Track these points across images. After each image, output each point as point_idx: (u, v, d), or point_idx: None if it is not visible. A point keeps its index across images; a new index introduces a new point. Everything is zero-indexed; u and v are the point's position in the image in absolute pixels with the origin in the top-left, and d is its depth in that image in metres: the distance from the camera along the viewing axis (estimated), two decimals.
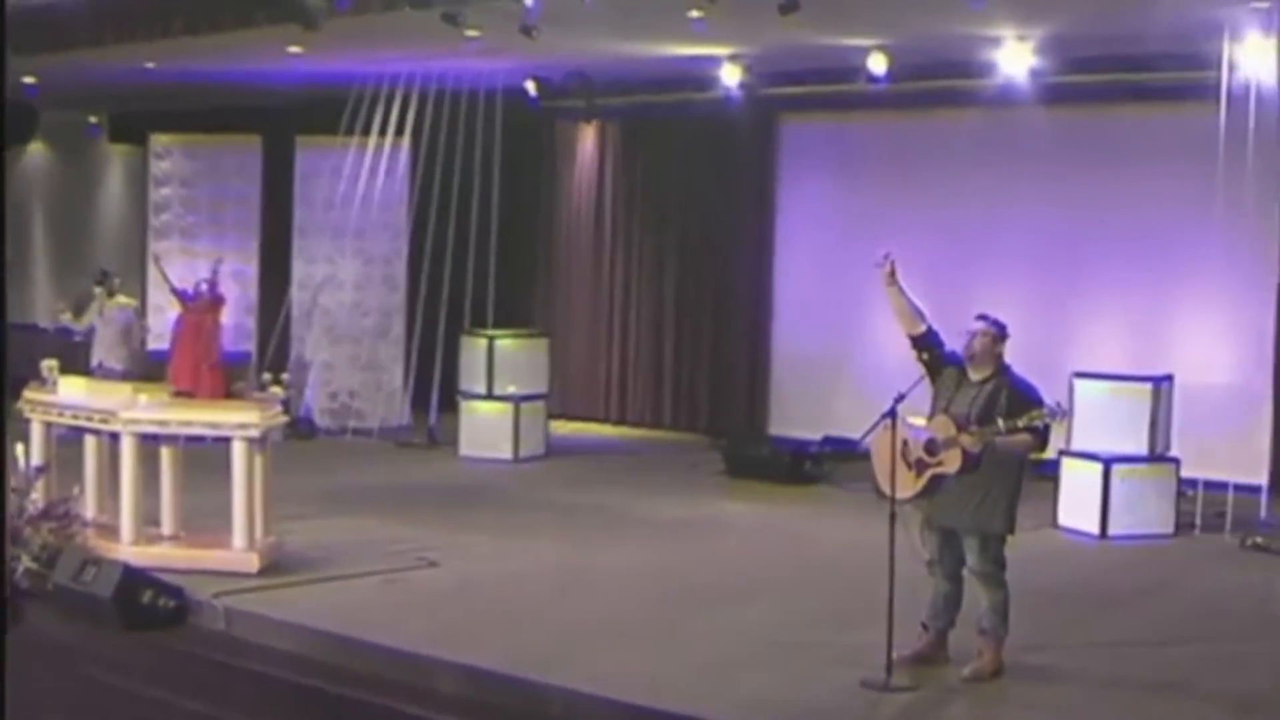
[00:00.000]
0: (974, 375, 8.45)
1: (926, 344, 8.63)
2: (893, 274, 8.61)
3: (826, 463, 14.93)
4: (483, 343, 16.07)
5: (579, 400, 18.60)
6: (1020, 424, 8.16)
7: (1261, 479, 12.83)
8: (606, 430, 18.32)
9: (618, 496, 13.88)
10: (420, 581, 10.41)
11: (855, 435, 15.52)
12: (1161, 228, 14.52)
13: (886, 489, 8.42)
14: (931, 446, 8.37)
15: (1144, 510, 12.38)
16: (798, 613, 9.85)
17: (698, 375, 18.01)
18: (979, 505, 8.37)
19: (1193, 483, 12.66)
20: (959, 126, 15.55)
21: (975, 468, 8.29)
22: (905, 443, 8.44)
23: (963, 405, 8.37)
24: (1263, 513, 12.44)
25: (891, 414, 8.31)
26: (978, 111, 14.99)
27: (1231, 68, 12.19)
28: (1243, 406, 13.17)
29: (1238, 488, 12.78)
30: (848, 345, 16.49)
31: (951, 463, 8.30)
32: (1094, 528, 12.34)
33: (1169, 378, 12.71)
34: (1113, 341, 14.55)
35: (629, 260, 18.55)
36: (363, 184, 17.13)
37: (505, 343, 16.16)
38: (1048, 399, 8.39)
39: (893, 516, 8.21)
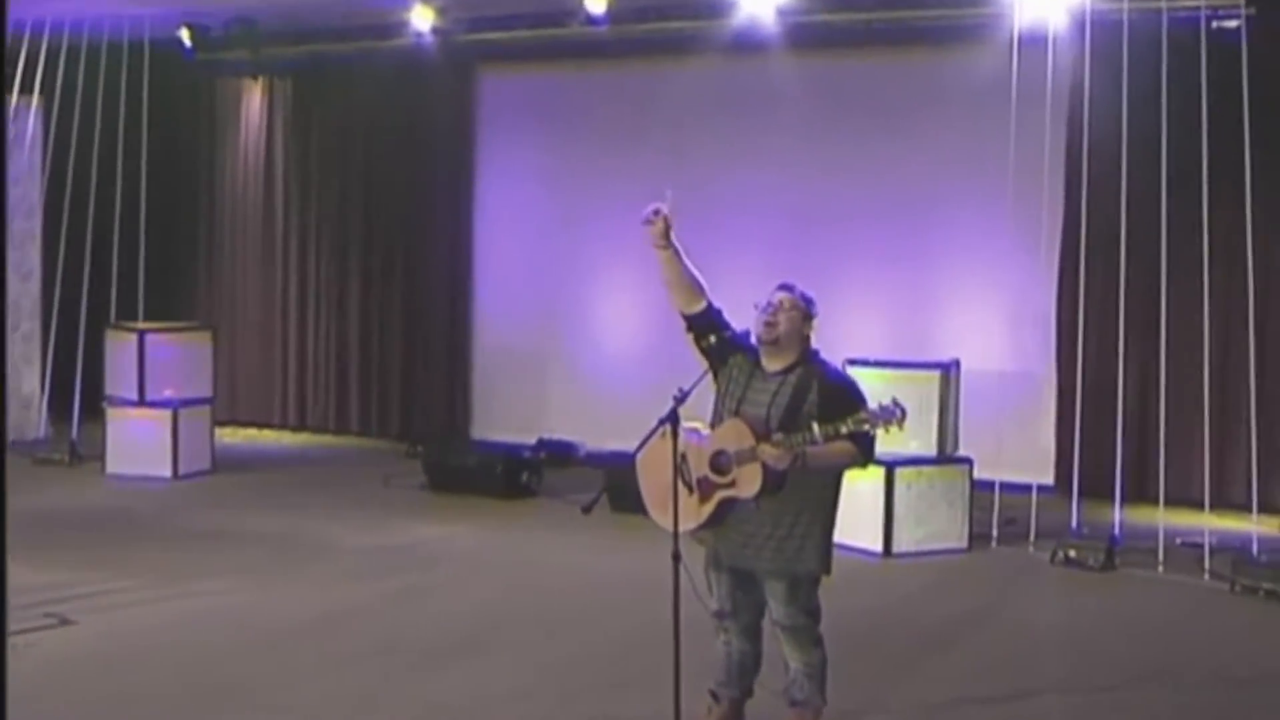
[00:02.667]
0: (771, 365, 6.43)
1: (710, 324, 6.56)
2: (666, 234, 6.61)
3: (546, 472, 13.39)
4: (132, 339, 14.17)
5: (250, 404, 17.23)
6: (844, 429, 6.13)
7: (1048, 479, 11.67)
8: (284, 438, 16.82)
9: (300, 520, 11.98)
10: (52, 646, 8.20)
11: (573, 438, 14.65)
12: (933, 193, 13.26)
13: (660, 519, 6.39)
14: (720, 461, 6.32)
15: (934, 521, 10.77)
16: (544, 674, 7.82)
17: (388, 372, 16.57)
18: (785, 539, 6.36)
19: (987, 485, 11.12)
20: (693, 76, 14.12)
21: (779, 489, 6.26)
22: (684, 456, 6.35)
23: (759, 405, 6.34)
24: (1074, 520, 10.86)
25: (671, 419, 6.18)
26: (715, 58, 13.59)
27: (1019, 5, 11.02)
28: (1026, 398, 12.07)
29: (1024, 489, 11.36)
30: (561, 334, 15.31)
31: (748, 483, 6.26)
32: (876, 544, 10.65)
33: (956, 364, 11.10)
34: (877, 323, 13.18)
35: (306, 239, 17.07)
36: None
37: (159, 338, 14.33)
38: (871, 397, 6.41)
39: (676, 558, 6.10)
